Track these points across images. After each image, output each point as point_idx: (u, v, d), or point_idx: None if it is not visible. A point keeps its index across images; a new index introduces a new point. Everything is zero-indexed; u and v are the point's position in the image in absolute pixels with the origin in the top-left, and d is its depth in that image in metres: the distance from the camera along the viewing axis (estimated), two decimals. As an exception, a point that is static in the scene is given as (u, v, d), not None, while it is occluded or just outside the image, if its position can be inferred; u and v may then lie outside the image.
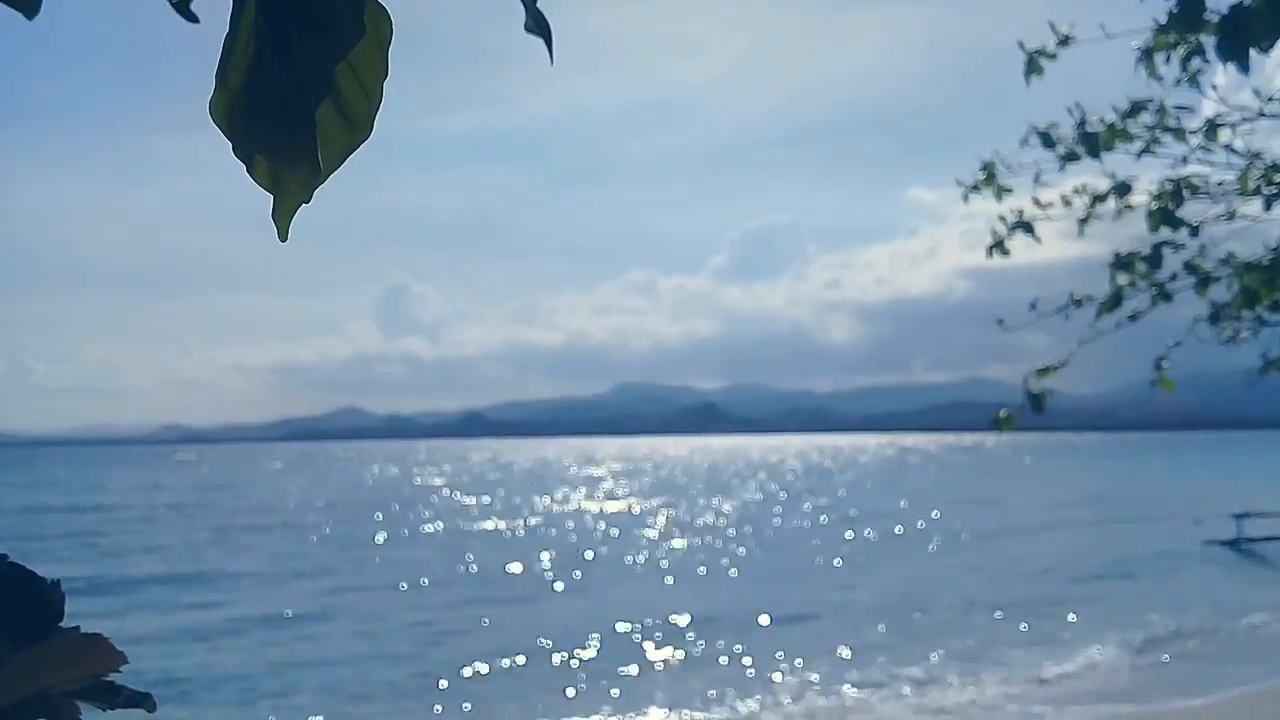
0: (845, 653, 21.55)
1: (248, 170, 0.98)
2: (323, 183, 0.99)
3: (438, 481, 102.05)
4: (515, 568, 35.29)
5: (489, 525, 52.98)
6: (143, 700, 1.52)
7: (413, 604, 28.52)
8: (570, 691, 18.70)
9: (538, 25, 0.98)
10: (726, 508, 63.92)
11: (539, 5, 0.98)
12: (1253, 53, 3.44)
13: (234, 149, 0.97)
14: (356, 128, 0.98)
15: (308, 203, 0.99)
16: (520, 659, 21.04)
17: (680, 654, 21.86)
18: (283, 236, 0.99)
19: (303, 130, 0.97)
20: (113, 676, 1.42)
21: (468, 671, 20.14)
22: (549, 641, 22.26)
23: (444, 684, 19.23)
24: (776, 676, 19.70)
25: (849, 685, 19.11)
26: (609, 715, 17.46)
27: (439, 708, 17.79)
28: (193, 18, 0.96)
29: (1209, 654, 21.88)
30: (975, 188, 6.08)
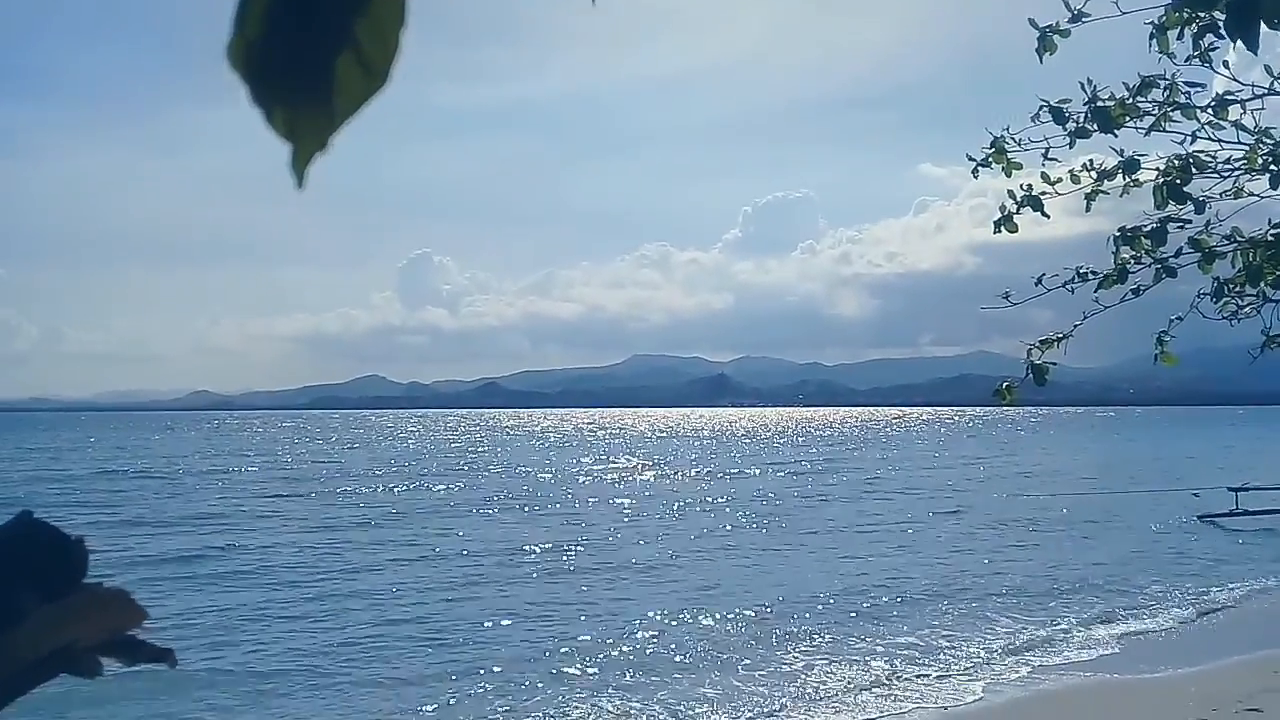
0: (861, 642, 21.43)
1: (265, 118, 0.97)
2: (338, 130, 0.99)
3: (477, 449, 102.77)
4: (574, 545, 34.12)
5: (539, 498, 51.90)
6: (164, 656, 1.56)
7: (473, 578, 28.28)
8: (613, 685, 18.10)
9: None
10: (768, 481, 63.40)
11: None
12: (1263, 29, 3.42)
13: (251, 96, 0.97)
14: (374, 77, 0.99)
15: (324, 151, 0.99)
16: (578, 642, 20.74)
17: (738, 635, 21.57)
18: (300, 184, 0.99)
19: (320, 79, 0.97)
20: (134, 631, 1.45)
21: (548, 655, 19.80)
22: (589, 632, 21.68)
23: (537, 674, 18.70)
24: (808, 662, 19.51)
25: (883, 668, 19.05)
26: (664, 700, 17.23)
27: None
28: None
29: (1203, 624, 22.05)
30: (985, 163, 6.04)
